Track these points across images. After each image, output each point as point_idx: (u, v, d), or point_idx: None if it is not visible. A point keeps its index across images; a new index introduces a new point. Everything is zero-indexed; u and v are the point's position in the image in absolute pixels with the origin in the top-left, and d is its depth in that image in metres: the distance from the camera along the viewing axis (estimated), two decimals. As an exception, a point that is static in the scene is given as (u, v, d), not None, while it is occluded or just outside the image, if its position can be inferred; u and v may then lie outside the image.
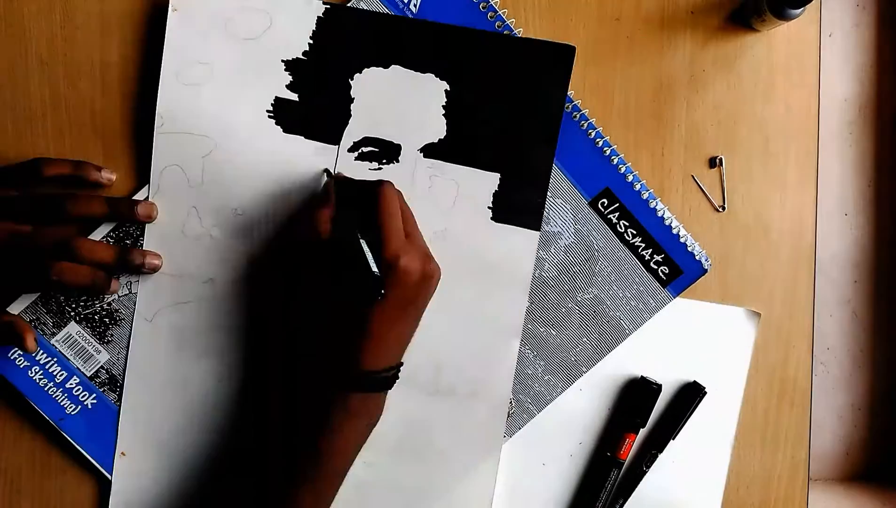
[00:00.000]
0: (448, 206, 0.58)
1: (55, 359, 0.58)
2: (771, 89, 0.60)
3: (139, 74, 0.58)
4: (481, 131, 0.57)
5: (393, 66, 0.57)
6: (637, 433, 0.60)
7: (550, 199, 0.59)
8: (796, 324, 0.61)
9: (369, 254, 0.47)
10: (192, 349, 0.58)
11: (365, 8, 0.57)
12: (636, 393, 0.60)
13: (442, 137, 0.57)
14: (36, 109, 0.58)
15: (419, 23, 0.57)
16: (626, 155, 0.59)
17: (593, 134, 0.59)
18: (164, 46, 0.57)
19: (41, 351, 0.58)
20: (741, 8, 0.60)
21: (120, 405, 0.59)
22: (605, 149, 0.59)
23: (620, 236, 0.59)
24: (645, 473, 0.61)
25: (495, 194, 0.58)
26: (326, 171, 0.57)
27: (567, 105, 0.58)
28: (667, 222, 0.59)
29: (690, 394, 0.60)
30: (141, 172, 0.59)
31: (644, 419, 0.60)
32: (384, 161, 0.57)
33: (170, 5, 0.56)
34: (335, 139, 0.57)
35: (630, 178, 0.59)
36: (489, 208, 0.58)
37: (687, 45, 0.60)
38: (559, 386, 0.60)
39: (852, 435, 1.14)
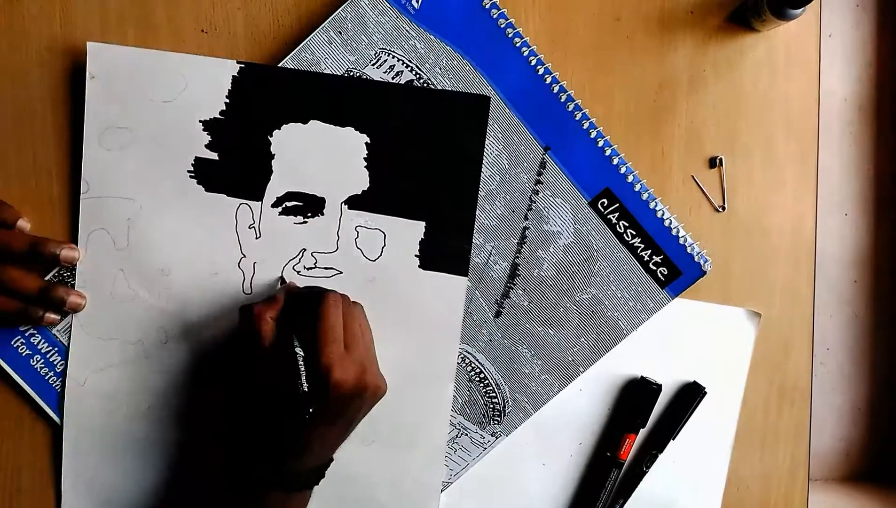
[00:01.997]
0: (375, 256, 0.58)
1: (56, 348, 0.59)
2: (771, 89, 0.60)
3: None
4: (404, 181, 0.58)
5: (312, 121, 0.57)
6: (637, 434, 0.60)
7: (550, 198, 0.59)
8: (796, 324, 0.61)
9: (303, 369, 0.47)
10: (125, 413, 0.59)
11: (291, 67, 0.57)
12: (636, 393, 0.60)
13: (365, 189, 0.58)
14: (36, 109, 0.59)
15: (335, 78, 0.57)
16: (626, 155, 0.59)
17: (594, 134, 0.59)
18: (85, 113, 0.57)
19: (43, 340, 0.59)
20: (741, 8, 0.60)
21: (62, 466, 0.59)
22: (606, 149, 0.59)
23: (620, 236, 0.59)
24: (645, 473, 0.61)
25: (421, 243, 0.58)
26: (281, 279, 0.58)
27: (569, 105, 0.58)
28: (666, 224, 0.59)
29: (690, 394, 0.60)
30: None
31: (644, 419, 0.60)
32: (309, 215, 0.58)
33: (87, 73, 0.57)
34: (258, 195, 0.58)
35: (630, 178, 0.59)
36: (416, 256, 0.58)
37: (687, 45, 0.60)
38: (556, 386, 0.60)
39: (852, 435, 1.14)
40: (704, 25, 0.60)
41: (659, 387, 0.60)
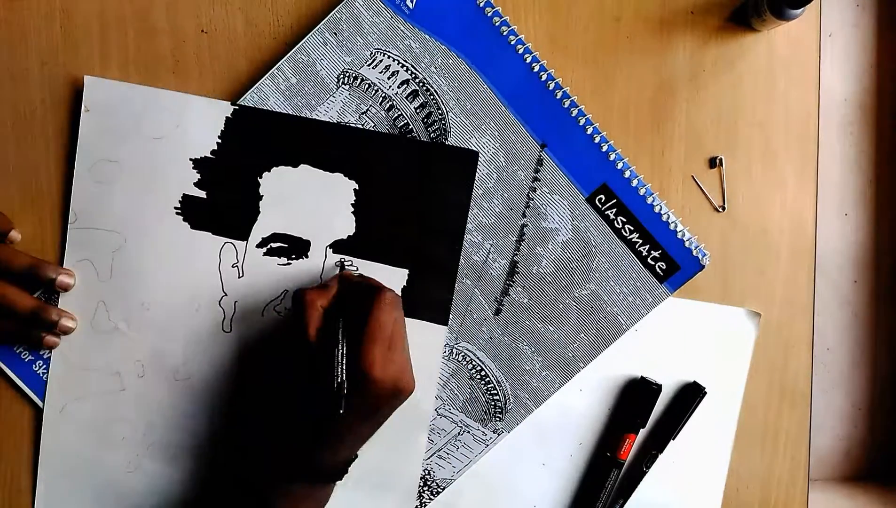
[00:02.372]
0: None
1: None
2: (771, 89, 0.60)
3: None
4: (390, 229, 0.58)
5: (302, 165, 0.58)
6: (637, 434, 0.60)
7: (548, 195, 0.59)
8: (796, 324, 0.61)
9: (342, 364, 0.47)
10: (101, 442, 0.59)
11: (277, 111, 0.57)
12: (636, 393, 0.60)
13: (351, 234, 0.58)
14: (36, 109, 0.59)
15: (328, 125, 0.58)
16: (626, 155, 0.59)
17: (591, 130, 0.59)
18: (77, 145, 0.58)
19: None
20: (741, 8, 0.60)
21: (34, 492, 0.59)
22: (603, 145, 0.59)
23: (618, 232, 0.59)
24: (645, 473, 0.61)
25: (404, 290, 0.58)
26: (340, 264, 0.58)
27: (565, 101, 0.58)
28: (664, 218, 0.59)
29: (690, 394, 0.60)
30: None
31: (644, 419, 0.60)
32: (293, 257, 0.58)
33: (82, 106, 0.57)
34: (244, 235, 0.58)
35: (627, 173, 0.59)
36: None
37: (687, 45, 0.60)
38: (557, 382, 0.60)
39: (852, 435, 1.14)
40: (704, 25, 0.60)
41: (659, 387, 0.60)
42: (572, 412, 0.61)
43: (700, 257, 0.59)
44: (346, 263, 0.58)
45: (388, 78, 0.58)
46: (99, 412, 0.59)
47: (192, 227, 0.58)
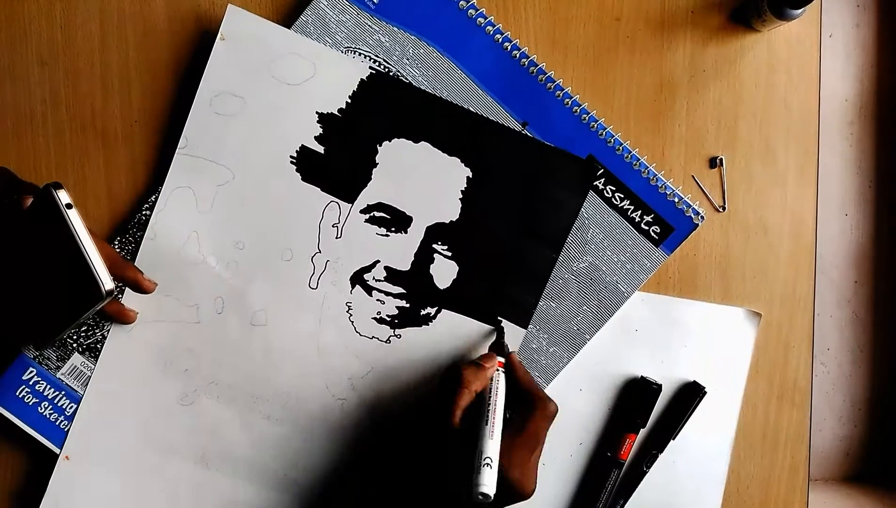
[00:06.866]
0: (445, 285, 0.59)
1: (63, 392, 0.58)
2: (771, 89, 0.60)
3: (160, 86, 0.59)
4: (493, 223, 0.58)
5: (423, 141, 0.58)
6: (637, 433, 0.60)
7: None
8: (796, 324, 0.61)
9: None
10: (164, 369, 0.58)
11: (404, 80, 0.58)
12: (636, 393, 0.60)
13: (454, 220, 0.58)
14: (36, 109, 0.59)
15: (456, 107, 0.58)
16: (626, 155, 0.59)
17: (569, 103, 0.58)
18: (205, 72, 0.57)
19: (48, 386, 0.57)
20: (741, 8, 0.60)
21: (78, 408, 0.58)
22: (584, 116, 0.59)
23: (608, 201, 0.59)
24: (645, 473, 0.61)
25: (494, 285, 0.59)
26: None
27: (541, 77, 0.58)
28: (653, 182, 0.59)
29: (690, 394, 0.60)
30: (139, 174, 0.59)
31: (644, 419, 0.60)
32: (393, 229, 0.58)
33: (219, 33, 0.57)
34: (350, 198, 0.58)
35: (611, 142, 0.59)
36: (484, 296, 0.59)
37: (687, 45, 0.60)
38: (565, 356, 0.60)
39: (852, 435, 1.14)
40: (704, 25, 0.60)
41: (659, 387, 0.60)
42: (572, 413, 0.61)
43: (693, 215, 0.59)
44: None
45: (362, 73, 0.58)
46: (168, 339, 0.58)
47: (302, 179, 0.58)
